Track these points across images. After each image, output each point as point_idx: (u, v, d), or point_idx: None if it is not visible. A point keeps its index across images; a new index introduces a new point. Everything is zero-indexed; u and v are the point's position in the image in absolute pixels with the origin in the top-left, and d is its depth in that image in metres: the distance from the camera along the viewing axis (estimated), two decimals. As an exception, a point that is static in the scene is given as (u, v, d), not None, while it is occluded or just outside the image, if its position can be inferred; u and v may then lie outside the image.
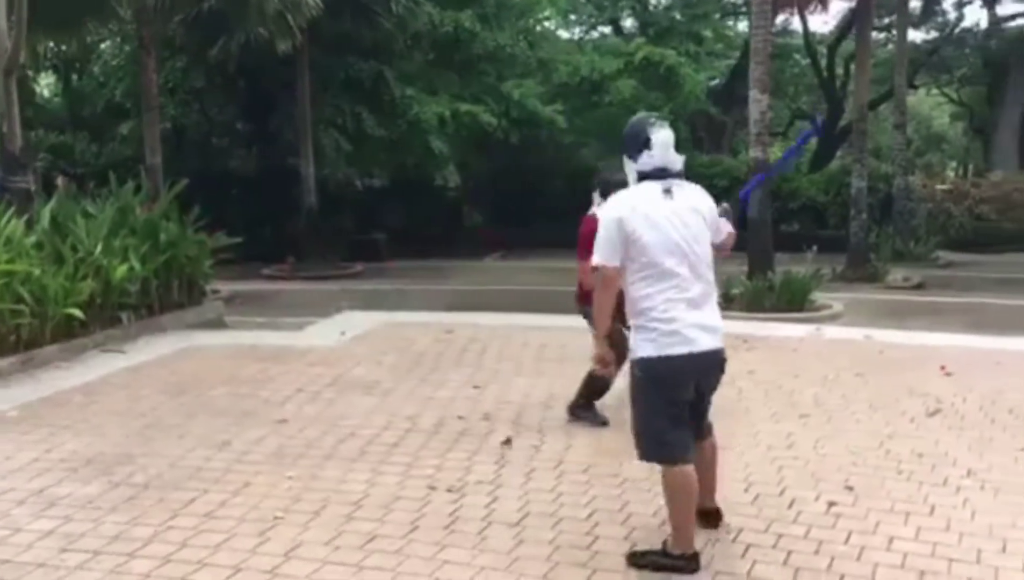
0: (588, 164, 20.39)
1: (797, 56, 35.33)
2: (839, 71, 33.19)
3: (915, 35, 37.18)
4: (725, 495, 4.09)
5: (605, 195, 4.51)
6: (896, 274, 13.35)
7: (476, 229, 20.22)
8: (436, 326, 8.58)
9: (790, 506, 4.23)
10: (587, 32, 25.41)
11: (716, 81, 36.07)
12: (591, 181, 5.81)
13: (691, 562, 3.57)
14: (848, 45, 34.53)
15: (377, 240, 16.95)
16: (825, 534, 3.91)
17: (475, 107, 17.50)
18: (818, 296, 11.00)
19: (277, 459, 4.86)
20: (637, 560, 3.65)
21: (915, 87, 43.24)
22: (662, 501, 3.74)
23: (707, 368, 3.64)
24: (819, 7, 19.97)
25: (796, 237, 18.28)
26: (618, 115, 21.63)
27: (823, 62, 33.22)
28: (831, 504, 4.24)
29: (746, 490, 4.40)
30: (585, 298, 4.98)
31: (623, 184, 3.87)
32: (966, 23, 35.19)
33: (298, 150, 15.49)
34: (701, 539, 3.73)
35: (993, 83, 32.89)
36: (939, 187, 20.16)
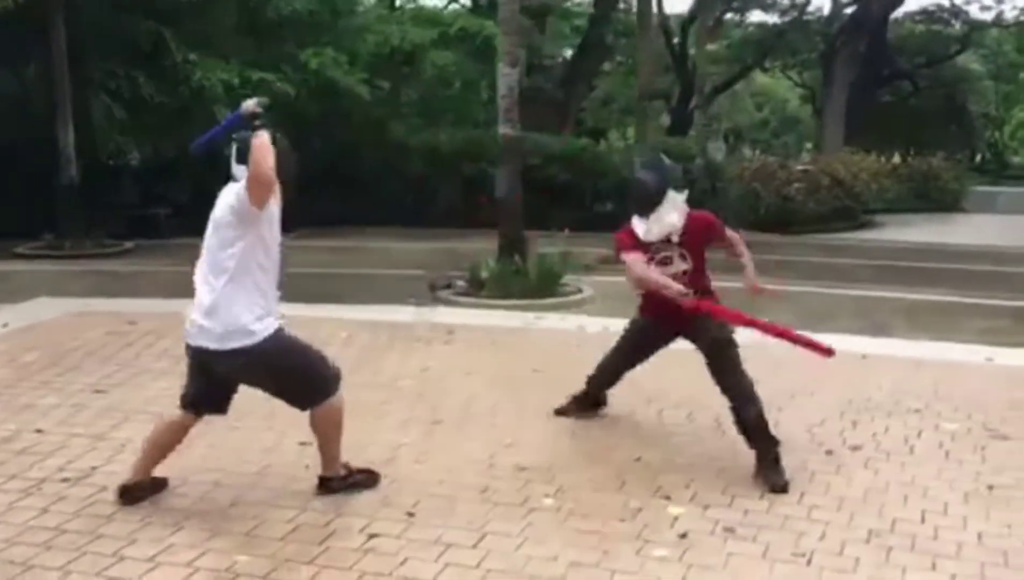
0: (399, 138, 19.75)
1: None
2: (692, 51, 33.41)
3: (766, 18, 38.14)
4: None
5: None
6: (676, 257, 13.15)
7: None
8: (124, 317, 7.80)
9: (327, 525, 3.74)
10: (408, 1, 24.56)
11: (556, 60, 35.97)
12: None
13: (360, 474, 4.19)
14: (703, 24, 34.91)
15: (156, 216, 15.86)
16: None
17: (269, 75, 16.52)
18: (578, 280, 10.70)
19: None
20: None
21: (765, 69, 44.38)
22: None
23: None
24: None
25: (608, 217, 18.21)
26: (433, 88, 21.06)
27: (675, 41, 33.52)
28: (371, 536, 3.76)
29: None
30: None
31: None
32: (812, 7, 36.03)
33: (55, 117, 14.23)
34: None
35: (825, 67, 33.71)
36: (798, 167, 20.25)
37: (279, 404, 4.12)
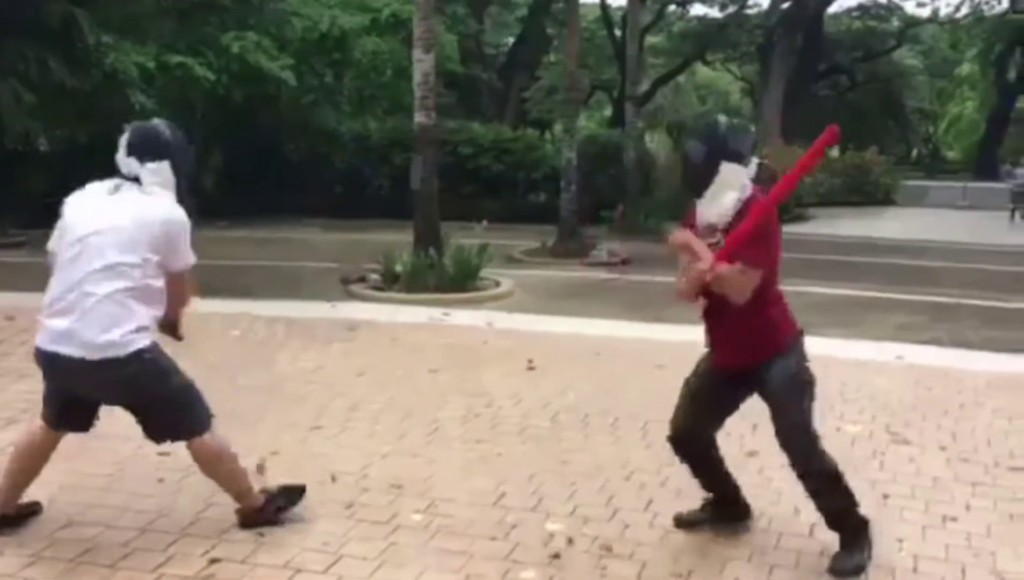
0: (328, 126, 19.27)
1: (594, 26, 35.39)
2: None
3: (709, 11, 38.20)
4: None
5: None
6: (602, 249, 12.97)
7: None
8: (3, 312, 7.33)
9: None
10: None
11: (500, 47, 35.69)
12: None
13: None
14: (646, 16, 34.87)
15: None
16: None
17: (189, 59, 15.94)
18: (499, 274, 10.42)
19: None
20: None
21: (707, 62, 44.57)
22: None
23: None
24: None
25: (541, 208, 17.97)
26: (364, 74, 20.59)
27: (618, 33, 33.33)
28: (213, 561, 3.42)
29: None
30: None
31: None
32: (752, 1, 36.11)
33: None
34: None
35: (762, 60, 33.87)
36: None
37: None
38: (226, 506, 3.70)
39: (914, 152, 49.67)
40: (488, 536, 3.68)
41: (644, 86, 38.06)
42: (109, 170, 3.58)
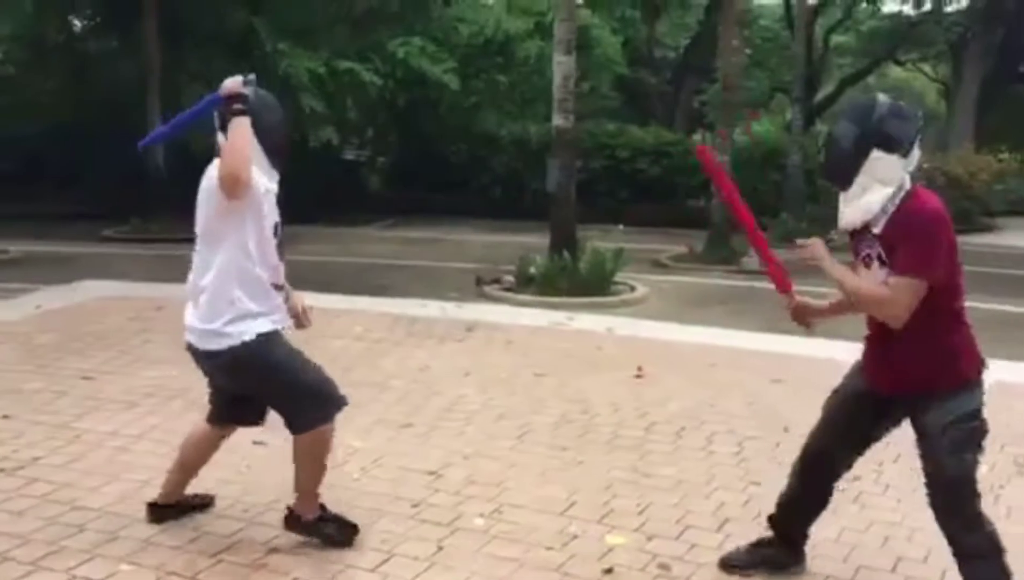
0: (489, 129, 19.55)
1: (777, 25, 34.24)
2: (820, 43, 32.18)
3: (903, 7, 36.18)
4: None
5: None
6: (754, 257, 12.48)
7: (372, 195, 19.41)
8: (155, 302, 7.84)
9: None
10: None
11: (678, 49, 35.06)
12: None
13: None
14: (834, 13, 33.50)
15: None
16: None
17: (357, 65, 16.58)
18: (639, 279, 10.25)
19: None
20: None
21: (899, 62, 42.21)
22: None
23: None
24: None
25: (700, 213, 17.51)
26: (526, 77, 20.76)
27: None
28: (271, 551, 3.51)
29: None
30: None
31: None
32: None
33: (146, 103, 14.65)
34: None
35: (956, 60, 31.76)
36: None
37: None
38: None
39: None
40: (545, 545, 3.61)
41: (829, 88, 36.53)
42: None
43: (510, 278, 9.79)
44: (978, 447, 2.91)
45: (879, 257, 2.90)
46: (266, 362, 3.39)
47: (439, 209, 18.68)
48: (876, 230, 2.89)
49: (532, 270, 9.51)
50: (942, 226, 2.83)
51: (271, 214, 3.41)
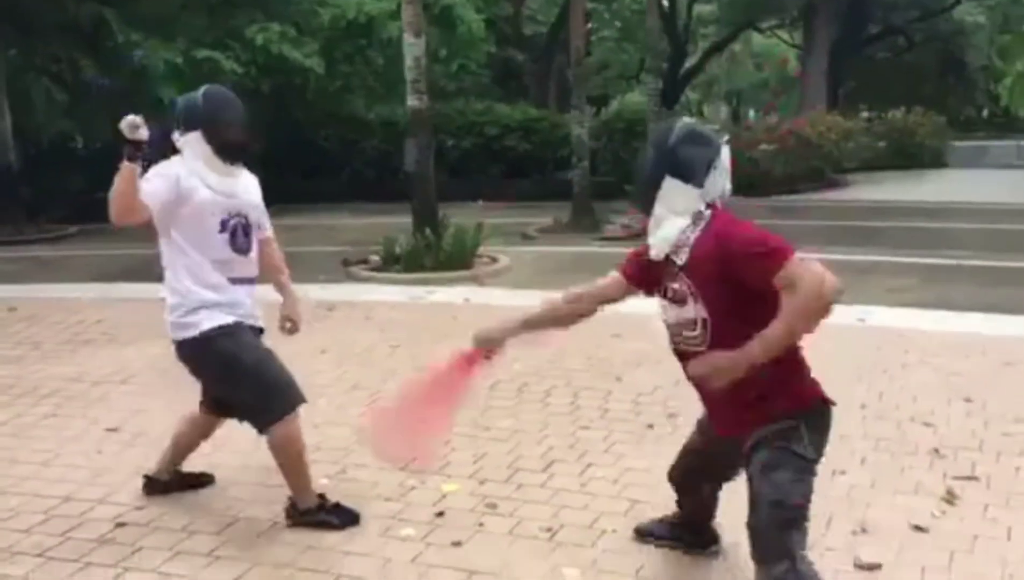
0: (358, 113, 19.57)
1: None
2: (684, 13, 33.12)
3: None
4: None
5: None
6: (617, 223, 13.02)
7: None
8: (7, 303, 7.75)
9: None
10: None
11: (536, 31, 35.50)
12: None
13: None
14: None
15: (104, 200, 15.81)
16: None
17: (216, 53, 16.37)
18: (506, 251, 10.59)
19: None
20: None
21: (759, 30, 43.73)
22: None
23: None
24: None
25: (568, 185, 17.98)
26: (392, 60, 20.82)
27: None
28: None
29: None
30: None
31: None
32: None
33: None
34: None
35: (806, 25, 33.16)
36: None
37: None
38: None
39: (984, 112, 47.98)
40: (384, 497, 3.87)
41: (695, 58, 37.63)
42: (145, 164, 3.38)
43: (376, 258, 9.99)
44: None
45: (691, 291, 2.73)
46: (222, 355, 3.50)
47: (314, 196, 18.62)
48: (679, 262, 2.76)
49: (397, 249, 9.73)
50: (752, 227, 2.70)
51: (218, 212, 3.53)
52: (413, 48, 9.98)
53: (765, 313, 2.55)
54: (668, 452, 4.23)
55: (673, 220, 2.77)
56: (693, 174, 2.74)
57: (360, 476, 4.10)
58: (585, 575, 3.24)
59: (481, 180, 18.36)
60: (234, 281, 3.60)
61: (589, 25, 28.56)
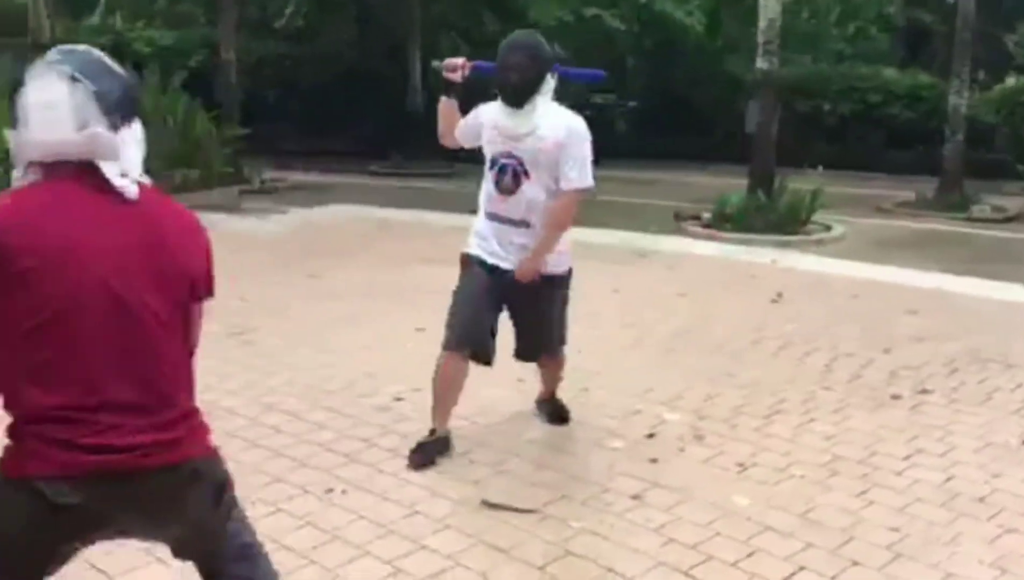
0: (734, 74, 19.55)
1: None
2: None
3: None
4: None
5: None
6: (986, 204, 11.99)
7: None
8: (385, 221, 9.24)
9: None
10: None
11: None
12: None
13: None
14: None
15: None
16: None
17: (602, 11, 17.30)
18: (847, 221, 10.42)
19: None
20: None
21: None
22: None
23: None
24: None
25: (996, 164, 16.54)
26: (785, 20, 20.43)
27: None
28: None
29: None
30: None
31: None
32: None
33: (406, 47, 16.35)
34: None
35: None
36: None
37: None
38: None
39: None
40: (618, 419, 4.35)
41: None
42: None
43: (707, 215, 10.29)
44: None
45: None
46: None
47: (680, 154, 18.96)
48: None
49: (727, 209, 9.96)
50: None
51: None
52: (768, 9, 10.03)
53: None
54: (900, 420, 4.32)
55: None
56: None
57: (597, 397, 4.63)
58: (754, 506, 3.52)
59: (855, 148, 17.62)
60: (490, 217, 3.88)
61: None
